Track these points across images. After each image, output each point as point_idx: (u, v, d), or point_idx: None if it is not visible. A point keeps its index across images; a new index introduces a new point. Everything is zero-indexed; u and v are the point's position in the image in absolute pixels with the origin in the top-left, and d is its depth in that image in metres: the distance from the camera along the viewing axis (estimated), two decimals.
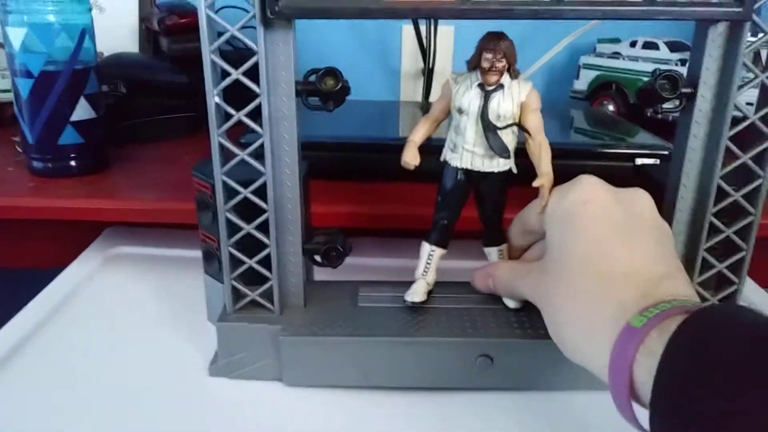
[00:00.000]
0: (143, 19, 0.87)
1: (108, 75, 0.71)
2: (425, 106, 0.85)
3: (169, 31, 0.80)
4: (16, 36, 0.57)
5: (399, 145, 0.40)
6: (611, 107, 0.84)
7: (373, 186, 0.60)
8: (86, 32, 0.60)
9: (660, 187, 0.41)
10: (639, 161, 0.58)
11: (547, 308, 0.36)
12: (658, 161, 0.58)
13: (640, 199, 0.37)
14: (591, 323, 0.33)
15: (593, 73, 0.88)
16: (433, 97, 0.89)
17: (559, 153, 0.39)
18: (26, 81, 0.58)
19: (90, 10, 0.60)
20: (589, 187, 0.36)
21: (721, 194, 0.39)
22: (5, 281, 0.66)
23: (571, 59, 0.95)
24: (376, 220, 0.55)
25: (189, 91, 0.79)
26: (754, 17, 0.34)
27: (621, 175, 0.57)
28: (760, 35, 0.37)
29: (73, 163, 0.61)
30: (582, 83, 0.90)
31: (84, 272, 0.56)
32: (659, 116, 0.77)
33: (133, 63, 0.82)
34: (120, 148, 0.69)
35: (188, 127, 0.79)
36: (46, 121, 0.59)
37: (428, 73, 0.88)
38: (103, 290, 0.54)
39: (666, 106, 0.39)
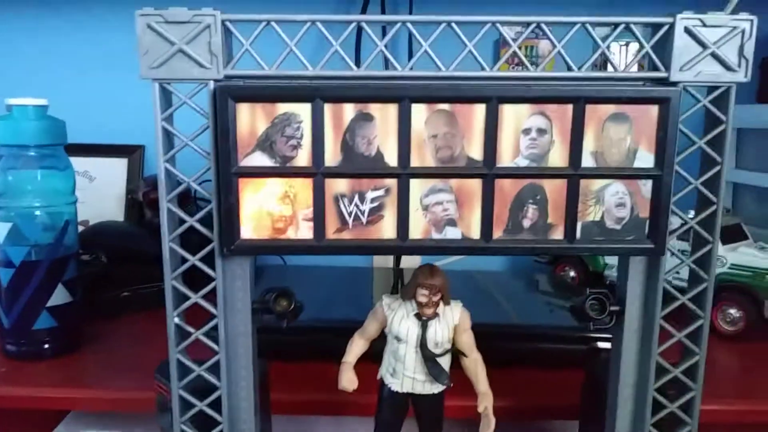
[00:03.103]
0: (129, 191, 0.92)
1: (90, 244, 0.73)
2: (397, 273, 0.88)
3: (152, 204, 0.84)
4: (2, 230, 0.59)
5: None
6: (572, 273, 0.87)
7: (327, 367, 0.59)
8: (69, 223, 0.62)
9: None
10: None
11: None
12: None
13: None
14: None
15: None
16: (404, 263, 0.92)
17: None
18: (7, 270, 0.60)
19: (75, 202, 0.63)
20: None
21: (658, 405, 0.41)
22: None
23: None
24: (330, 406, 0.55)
25: None
26: None
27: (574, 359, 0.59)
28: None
29: (46, 346, 0.62)
30: None
31: None
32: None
33: (115, 233, 0.84)
34: (98, 321, 0.70)
35: None
36: (23, 308, 0.60)
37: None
38: None
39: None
